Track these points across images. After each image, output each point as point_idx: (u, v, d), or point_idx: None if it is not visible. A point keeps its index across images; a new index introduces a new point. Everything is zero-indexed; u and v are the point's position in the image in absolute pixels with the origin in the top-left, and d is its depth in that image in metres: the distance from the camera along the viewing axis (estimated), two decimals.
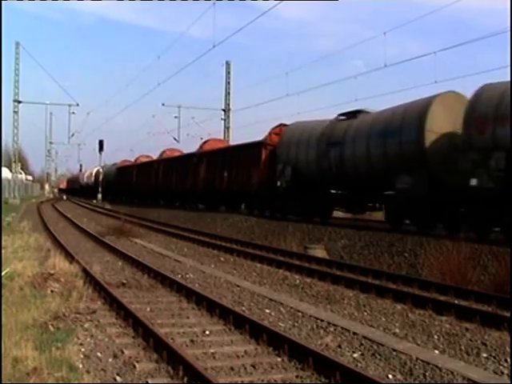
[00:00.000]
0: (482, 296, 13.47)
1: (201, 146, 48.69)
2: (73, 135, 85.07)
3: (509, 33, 12.32)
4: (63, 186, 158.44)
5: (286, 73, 56.88)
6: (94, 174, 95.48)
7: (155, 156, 66.57)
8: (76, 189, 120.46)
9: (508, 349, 9.54)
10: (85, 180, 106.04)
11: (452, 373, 8.16)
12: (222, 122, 61.81)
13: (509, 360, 8.94)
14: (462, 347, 9.70)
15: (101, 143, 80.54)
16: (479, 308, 12.36)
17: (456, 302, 13.08)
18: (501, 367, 8.63)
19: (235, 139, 59.30)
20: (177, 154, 58.40)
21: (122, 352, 9.05)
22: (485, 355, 9.26)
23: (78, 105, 72.63)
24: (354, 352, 9.31)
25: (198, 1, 78.72)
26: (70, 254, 19.27)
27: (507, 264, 14.75)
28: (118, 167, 79.73)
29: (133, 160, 77.55)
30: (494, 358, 9.12)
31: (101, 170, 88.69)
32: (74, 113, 75.94)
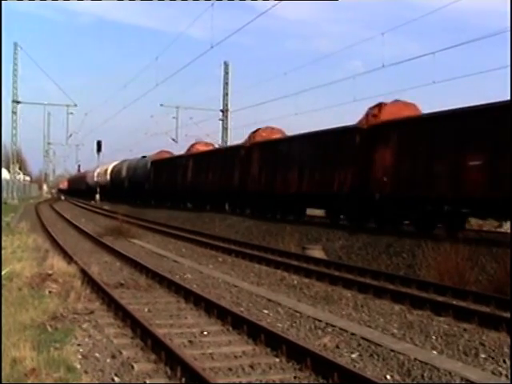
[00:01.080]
0: (481, 297, 13.47)
1: (370, 114, 25.76)
2: (71, 136, 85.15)
3: (508, 33, 12.06)
4: (64, 186, 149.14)
5: (284, 73, 56.70)
6: (109, 170, 79.47)
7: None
8: (80, 190, 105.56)
9: (506, 349, 9.54)
10: (95, 179, 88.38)
11: (450, 373, 8.16)
12: (220, 122, 61.79)
13: (507, 361, 8.93)
14: (460, 348, 9.70)
15: (99, 144, 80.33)
16: (477, 309, 12.33)
17: (454, 302, 13.07)
18: (499, 368, 8.62)
19: (233, 140, 56.54)
20: (277, 135, 36.61)
21: (120, 352, 9.04)
22: (483, 356, 9.25)
23: (76, 105, 72.68)
24: (352, 352, 9.30)
25: (197, 1, 78.69)
26: (68, 254, 19.28)
27: (506, 265, 14.75)
28: (154, 160, 60.48)
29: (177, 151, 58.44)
30: (493, 358, 9.11)
31: (122, 165, 73.32)
32: (72, 113, 75.96)
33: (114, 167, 78.04)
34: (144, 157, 66.20)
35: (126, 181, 69.16)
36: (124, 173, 70.74)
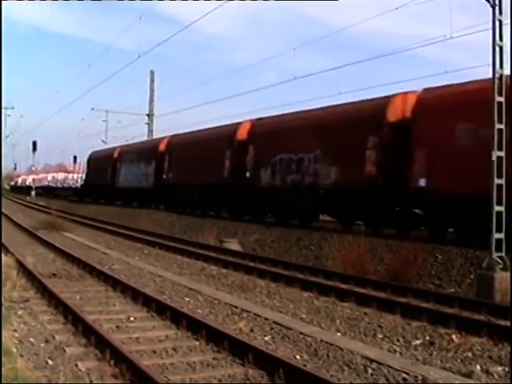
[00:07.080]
0: (379, 284, 13.77)
1: None
2: (8, 137, 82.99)
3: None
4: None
5: (205, 83, 56.55)
6: None
7: None
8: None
9: (400, 330, 9.81)
10: None
11: (352, 352, 8.33)
12: (146, 126, 61.17)
13: (401, 340, 9.19)
14: (361, 330, 9.90)
15: (34, 144, 78.44)
16: (376, 295, 12.62)
17: (356, 289, 13.30)
18: (394, 346, 8.85)
19: None
20: None
21: (54, 337, 8.92)
22: (380, 336, 9.48)
23: (12, 108, 70.79)
24: (265, 335, 9.38)
25: (126, 14, 77.89)
26: (5, 246, 18.81)
27: (400, 256, 15.11)
28: None
29: None
30: (389, 338, 9.34)
31: None
32: (9, 115, 74.00)
33: None
34: None
35: None
36: None
